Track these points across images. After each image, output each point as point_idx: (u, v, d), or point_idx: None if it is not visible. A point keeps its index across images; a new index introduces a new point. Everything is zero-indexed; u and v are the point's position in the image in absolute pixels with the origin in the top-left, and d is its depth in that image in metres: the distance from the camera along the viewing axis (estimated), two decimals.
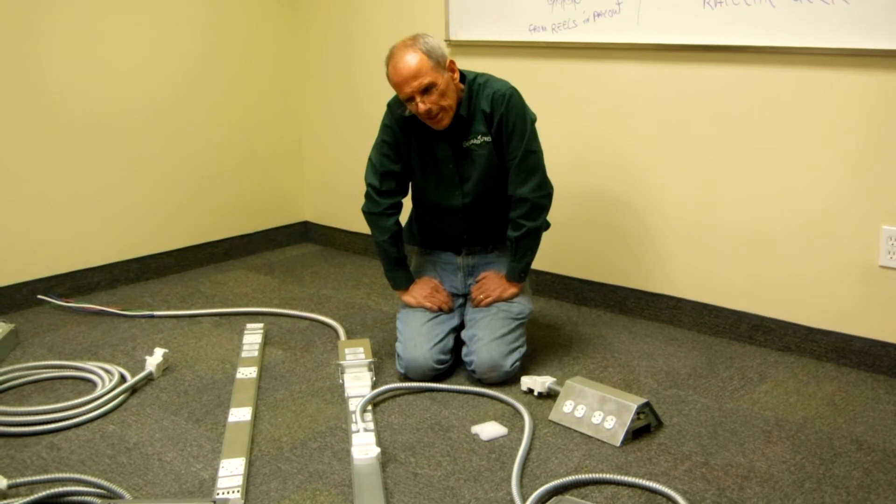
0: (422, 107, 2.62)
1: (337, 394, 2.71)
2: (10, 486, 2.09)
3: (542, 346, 3.05)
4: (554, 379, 2.64)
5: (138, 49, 3.71)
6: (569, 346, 3.07)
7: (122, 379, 2.76)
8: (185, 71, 3.88)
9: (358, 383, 2.69)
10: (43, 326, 3.31)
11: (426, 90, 2.61)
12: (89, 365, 2.84)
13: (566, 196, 3.28)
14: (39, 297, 3.51)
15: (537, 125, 2.79)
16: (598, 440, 2.38)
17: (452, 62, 2.69)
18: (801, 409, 2.57)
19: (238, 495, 2.10)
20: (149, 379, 2.80)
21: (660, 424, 2.46)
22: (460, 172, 2.80)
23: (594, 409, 2.43)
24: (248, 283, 3.85)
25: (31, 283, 3.51)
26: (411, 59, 2.60)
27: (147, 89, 3.76)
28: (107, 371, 2.80)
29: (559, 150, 3.26)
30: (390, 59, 2.65)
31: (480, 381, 2.73)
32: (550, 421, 2.49)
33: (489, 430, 2.43)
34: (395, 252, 2.88)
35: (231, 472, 2.19)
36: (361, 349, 2.91)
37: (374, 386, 2.70)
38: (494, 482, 2.18)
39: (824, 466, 2.24)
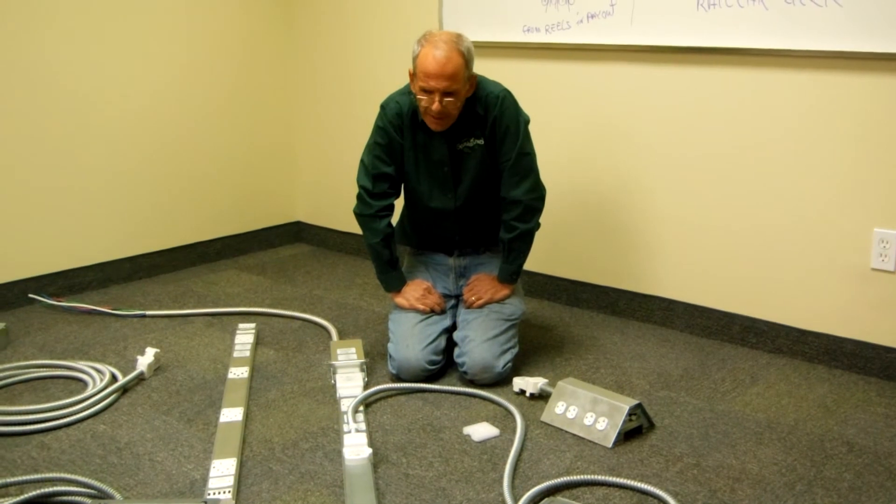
0: (436, 106, 2.59)
1: (329, 394, 2.70)
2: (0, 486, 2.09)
3: (534, 347, 3.05)
4: (546, 380, 2.64)
5: (130, 47, 3.69)
6: (561, 347, 3.07)
7: (114, 378, 2.75)
8: (176, 69, 3.87)
9: (350, 384, 2.68)
10: (34, 326, 3.29)
11: (449, 94, 2.59)
12: (80, 364, 2.83)
13: (559, 197, 3.28)
14: (31, 296, 3.49)
15: (530, 127, 2.79)
16: (590, 441, 2.38)
17: (474, 76, 2.68)
18: (792, 411, 2.58)
19: (229, 496, 2.10)
20: (140, 379, 2.79)
21: (651, 426, 2.47)
22: (454, 175, 2.80)
23: (586, 411, 2.43)
24: (241, 282, 3.84)
25: (22, 282, 3.50)
26: (452, 60, 2.56)
27: (139, 88, 3.75)
28: (98, 371, 2.79)
29: (552, 151, 3.27)
30: (428, 42, 2.59)
31: (472, 382, 2.73)
32: (542, 422, 2.49)
33: (481, 430, 2.43)
34: (388, 254, 2.87)
35: (222, 473, 2.19)
36: (353, 350, 2.91)
37: (366, 386, 2.70)
38: (486, 483, 2.18)
39: (815, 468, 2.25)
